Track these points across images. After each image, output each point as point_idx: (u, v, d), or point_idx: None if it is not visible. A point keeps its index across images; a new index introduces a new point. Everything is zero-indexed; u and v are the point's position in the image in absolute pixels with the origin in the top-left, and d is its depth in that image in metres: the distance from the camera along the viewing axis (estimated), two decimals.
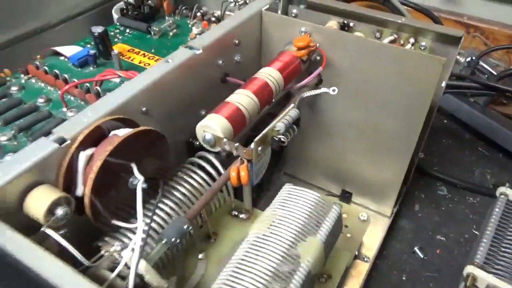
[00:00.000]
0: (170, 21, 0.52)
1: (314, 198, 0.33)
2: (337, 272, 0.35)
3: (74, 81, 0.40)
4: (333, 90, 0.38)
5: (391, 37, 0.43)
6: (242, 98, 0.36)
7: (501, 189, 0.47)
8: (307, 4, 0.47)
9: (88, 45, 0.48)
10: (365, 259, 0.46)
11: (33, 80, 0.43)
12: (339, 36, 0.42)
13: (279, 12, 0.47)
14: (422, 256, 0.48)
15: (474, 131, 0.63)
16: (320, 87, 0.42)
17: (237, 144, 0.33)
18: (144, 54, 0.48)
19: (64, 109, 0.39)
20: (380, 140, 0.45)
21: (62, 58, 0.46)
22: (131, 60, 0.47)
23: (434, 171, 0.57)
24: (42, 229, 0.25)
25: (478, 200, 0.55)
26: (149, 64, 0.46)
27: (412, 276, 0.46)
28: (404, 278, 0.46)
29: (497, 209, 0.45)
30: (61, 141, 0.28)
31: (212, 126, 0.33)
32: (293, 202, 0.33)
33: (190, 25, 0.54)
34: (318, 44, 0.41)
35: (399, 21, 0.43)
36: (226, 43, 0.41)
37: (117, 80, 0.42)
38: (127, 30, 0.52)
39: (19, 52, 0.59)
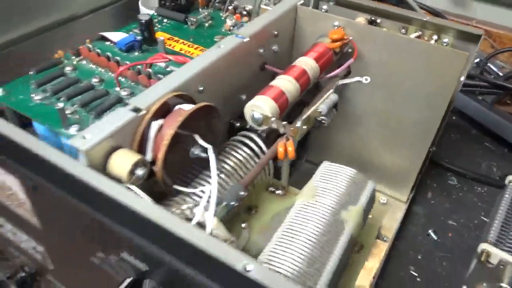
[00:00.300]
0: (206, 13, 0.56)
1: (351, 173, 0.37)
2: (368, 242, 0.39)
3: (127, 63, 0.43)
4: (366, 79, 0.42)
5: (416, 33, 0.47)
6: (285, 83, 0.40)
7: (510, 177, 0.51)
8: (335, 1, 0.51)
9: (130, 32, 0.51)
10: (385, 238, 0.49)
11: (84, 62, 0.46)
12: (369, 31, 0.46)
13: (311, 7, 0.51)
14: (435, 238, 0.52)
15: (481, 127, 0.67)
16: (351, 77, 0.45)
17: (284, 122, 0.36)
18: (184, 42, 0.51)
19: (117, 89, 0.42)
20: (402, 130, 0.49)
21: (108, 43, 0.49)
22: (172, 47, 0.50)
23: (445, 163, 0.61)
24: (125, 185, 0.28)
25: (485, 190, 0.59)
26: (190, 52, 0.49)
27: (427, 256, 0.50)
28: (419, 257, 0.50)
29: (507, 195, 0.49)
30: (137, 110, 0.31)
31: (262, 106, 0.37)
32: (332, 176, 0.36)
33: (223, 18, 0.57)
34: (351, 37, 0.45)
35: (424, 19, 0.46)
36: (267, 34, 0.44)
37: (163, 64, 0.45)
38: (165, 20, 0.55)
39: (48, 40, 0.63)
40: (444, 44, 0.46)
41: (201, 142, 0.32)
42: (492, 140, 0.67)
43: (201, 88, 0.36)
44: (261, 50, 0.44)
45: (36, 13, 0.57)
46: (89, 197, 0.24)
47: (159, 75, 0.42)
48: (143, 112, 0.31)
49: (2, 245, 0.38)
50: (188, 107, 0.33)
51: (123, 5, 0.77)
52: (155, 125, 0.31)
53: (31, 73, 0.43)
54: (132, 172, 0.29)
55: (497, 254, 0.42)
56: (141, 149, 0.31)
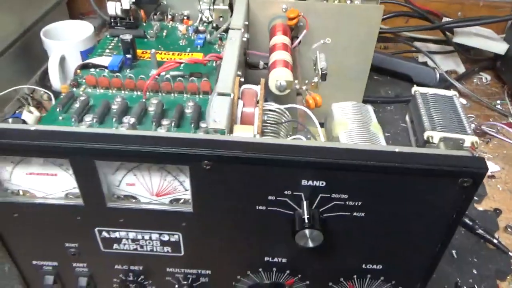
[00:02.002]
0: (157, 25, 0.61)
1: (355, 103, 0.50)
2: None
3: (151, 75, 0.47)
4: (328, 40, 0.55)
5: (337, 1, 0.62)
6: (284, 55, 0.50)
7: (414, 88, 0.72)
8: None
9: (109, 53, 0.55)
10: None
11: (89, 89, 0.48)
12: (311, 6, 0.59)
13: None
14: None
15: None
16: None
17: (307, 81, 0.47)
18: (160, 52, 0.56)
19: (143, 100, 0.47)
20: (345, 74, 0.65)
21: (95, 69, 0.52)
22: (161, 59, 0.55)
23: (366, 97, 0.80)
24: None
25: (392, 107, 0.81)
26: (174, 58, 0.55)
27: None
28: None
29: (419, 100, 0.69)
30: (229, 95, 0.38)
31: (284, 75, 0.47)
32: (347, 110, 0.49)
33: (170, 26, 0.63)
34: (302, 14, 0.58)
35: None
36: (245, 25, 0.54)
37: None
38: (115, 39, 0.59)
39: None
40: (356, 3, 0.63)
41: None
42: (376, 73, 0.88)
43: (239, 73, 0.45)
44: (244, 39, 0.54)
45: None
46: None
47: (178, 79, 0.48)
48: (232, 96, 0.39)
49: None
50: (254, 88, 0.41)
51: (20, 47, 0.75)
52: (241, 104, 0.39)
53: (58, 109, 0.44)
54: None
55: (437, 135, 0.61)
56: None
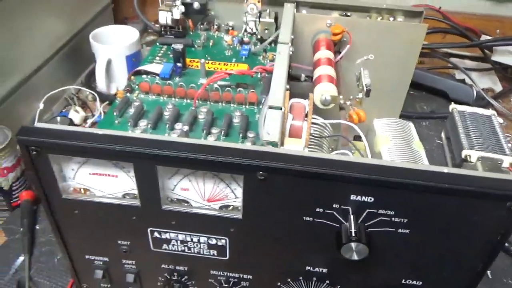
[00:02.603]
0: (204, 34, 0.64)
1: (397, 120, 0.51)
2: None
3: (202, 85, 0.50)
4: (371, 56, 0.56)
5: (379, 18, 0.64)
6: (329, 70, 0.52)
7: (452, 106, 0.72)
8: (310, 5, 0.65)
9: (160, 61, 0.57)
10: None
11: (142, 95, 0.51)
12: (356, 22, 0.60)
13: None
14: None
15: None
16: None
17: (351, 97, 0.49)
18: (207, 61, 0.59)
19: (193, 108, 0.49)
20: (384, 88, 0.65)
21: (147, 76, 0.54)
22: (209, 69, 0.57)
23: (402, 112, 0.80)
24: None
25: (428, 123, 0.81)
26: (220, 68, 0.58)
27: None
28: None
29: (456, 117, 0.69)
30: (280, 109, 0.40)
31: (330, 89, 0.48)
32: (390, 126, 0.50)
33: (215, 36, 0.66)
34: (346, 29, 0.59)
35: (381, 7, 0.63)
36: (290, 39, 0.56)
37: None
38: (164, 48, 0.62)
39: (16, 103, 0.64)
40: (400, 21, 0.64)
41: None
42: (412, 88, 0.88)
43: (287, 86, 0.47)
44: (290, 53, 0.55)
45: None
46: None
47: (227, 89, 0.50)
48: (283, 109, 0.40)
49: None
50: (303, 102, 0.43)
51: (69, 49, 0.79)
52: (290, 117, 0.41)
53: (115, 113, 0.47)
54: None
55: (475, 154, 0.61)
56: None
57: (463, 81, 0.88)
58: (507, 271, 0.54)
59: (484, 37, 0.95)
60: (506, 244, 0.57)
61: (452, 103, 0.73)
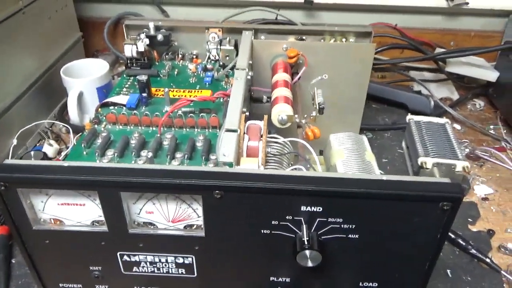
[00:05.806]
0: (169, 64, 0.67)
1: (351, 134, 0.55)
2: None
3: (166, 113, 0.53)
4: (325, 76, 0.60)
5: (332, 40, 0.68)
6: (285, 92, 0.56)
7: (408, 117, 0.76)
8: (267, 32, 0.69)
9: (127, 93, 0.60)
10: None
11: (109, 126, 0.53)
12: (310, 45, 0.65)
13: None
14: None
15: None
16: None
17: (306, 115, 0.52)
18: (172, 90, 0.62)
19: (158, 135, 0.52)
20: (342, 105, 0.69)
21: (114, 107, 0.57)
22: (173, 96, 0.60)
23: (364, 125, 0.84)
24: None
25: (389, 134, 0.85)
26: (185, 95, 0.61)
27: None
28: None
29: (413, 127, 0.74)
30: (236, 131, 0.43)
31: (286, 109, 0.52)
32: (344, 140, 0.54)
33: (180, 65, 0.69)
34: (301, 52, 0.63)
35: (333, 29, 0.68)
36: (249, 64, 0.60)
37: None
38: (130, 79, 0.65)
39: None
40: (352, 42, 0.68)
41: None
42: (374, 102, 0.93)
43: (244, 109, 0.50)
44: (249, 77, 0.59)
45: None
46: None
47: (190, 115, 0.53)
48: (238, 131, 0.44)
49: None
50: (259, 123, 0.46)
51: (41, 84, 0.81)
52: (246, 138, 0.44)
53: (83, 145, 0.49)
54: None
55: (430, 161, 0.66)
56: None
57: (419, 92, 0.93)
58: (466, 269, 0.58)
59: (438, 50, 1.01)
60: (464, 243, 0.60)
61: (409, 114, 0.78)
